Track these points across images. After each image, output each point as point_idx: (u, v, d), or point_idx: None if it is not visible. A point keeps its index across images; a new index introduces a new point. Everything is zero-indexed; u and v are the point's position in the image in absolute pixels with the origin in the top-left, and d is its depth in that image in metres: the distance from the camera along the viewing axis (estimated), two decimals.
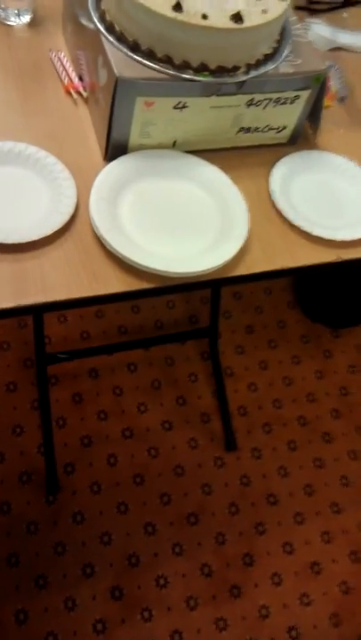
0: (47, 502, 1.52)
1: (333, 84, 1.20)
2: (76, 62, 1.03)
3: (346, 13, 1.37)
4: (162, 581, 1.50)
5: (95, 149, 0.97)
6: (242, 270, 0.93)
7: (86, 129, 0.99)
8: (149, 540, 1.54)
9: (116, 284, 0.86)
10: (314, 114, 1.05)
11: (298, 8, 1.29)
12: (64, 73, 1.02)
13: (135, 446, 1.64)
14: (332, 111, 1.17)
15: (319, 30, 1.26)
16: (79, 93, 1.01)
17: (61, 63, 1.03)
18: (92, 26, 0.91)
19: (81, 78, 1.02)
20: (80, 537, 1.50)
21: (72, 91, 1.01)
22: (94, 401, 1.68)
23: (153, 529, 1.55)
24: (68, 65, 1.03)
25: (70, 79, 1.01)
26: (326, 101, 1.16)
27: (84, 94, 1.01)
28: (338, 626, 1.55)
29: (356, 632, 1.55)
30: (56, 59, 1.04)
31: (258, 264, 0.95)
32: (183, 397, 1.75)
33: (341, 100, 1.19)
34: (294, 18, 1.01)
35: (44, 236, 0.84)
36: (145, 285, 0.87)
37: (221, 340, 1.86)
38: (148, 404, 1.72)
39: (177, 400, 1.74)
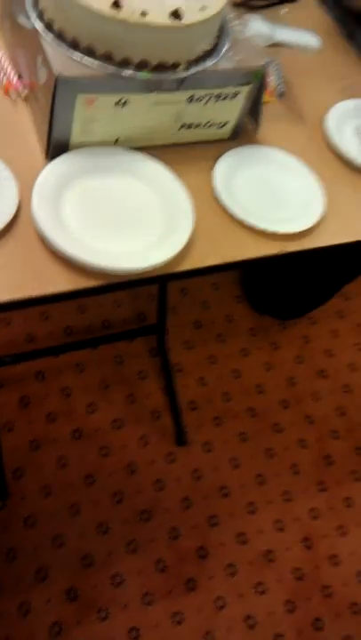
0: None
1: (272, 80, 1.21)
2: (14, 61, 1.01)
3: (284, 9, 1.39)
4: (117, 580, 1.49)
5: (36, 148, 0.95)
6: (189, 265, 0.93)
7: (26, 128, 0.97)
8: (103, 539, 1.53)
9: (63, 282, 0.85)
10: (254, 109, 1.06)
11: (236, 5, 1.30)
12: (1, 72, 1.00)
13: (85, 447, 1.63)
14: (271, 106, 1.19)
15: (257, 27, 1.27)
16: (18, 92, 0.99)
17: None
18: (29, 24, 0.89)
19: (20, 77, 1.00)
20: (32, 541, 1.48)
21: (11, 90, 0.99)
22: (42, 403, 1.66)
23: (106, 528, 1.55)
24: (6, 64, 1.01)
25: (8, 78, 1.00)
26: (266, 97, 1.17)
27: (24, 93, 0.99)
28: (293, 612, 1.58)
29: (310, 616, 1.59)
30: None
31: (204, 258, 0.95)
32: (133, 395, 1.75)
33: (280, 95, 1.21)
34: (233, 14, 1.02)
35: None
36: (92, 283, 0.86)
37: (170, 336, 1.86)
38: (98, 403, 1.71)
39: (127, 398, 1.74)
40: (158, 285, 1.73)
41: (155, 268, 0.89)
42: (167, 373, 1.77)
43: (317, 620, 1.59)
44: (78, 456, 1.61)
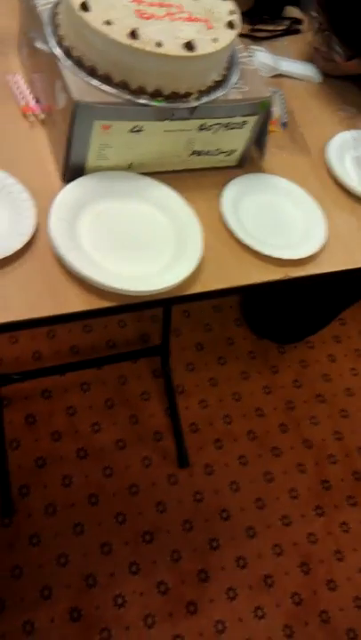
0: (3, 525, 1.51)
1: (276, 110, 1.25)
2: (32, 85, 1.05)
3: (286, 41, 1.44)
4: (119, 600, 1.50)
5: (53, 171, 0.99)
6: (198, 288, 0.96)
7: (43, 151, 1.01)
8: (106, 559, 1.54)
9: (77, 303, 0.87)
10: (260, 138, 1.10)
11: (242, 36, 1.35)
12: (21, 95, 1.04)
13: (90, 466, 1.65)
14: (276, 136, 1.23)
15: (262, 58, 1.32)
16: (35, 116, 1.03)
17: (18, 85, 1.05)
18: (48, 50, 0.93)
19: (37, 100, 1.04)
20: (37, 559, 1.49)
21: (28, 113, 1.03)
22: (48, 422, 1.67)
23: (109, 549, 1.55)
24: (23, 88, 1.05)
25: (27, 101, 1.03)
26: (271, 127, 1.22)
27: (41, 117, 1.03)
28: (291, 637, 1.58)
29: None
30: (12, 81, 1.06)
31: (212, 282, 0.98)
32: (136, 416, 1.77)
33: (284, 124, 1.25)
34: (241, 46, 1.06)
35: (4, 256, 0.85)
36: (105, 304, 0.88)
37: (172, 357, 1.88)
38: (102, 423, 1.72)
39: (130, 418, 1.76)
40: (163, 307, 1.75)
41: (166, 291, 0.92)
42: (170, 395, 1.80)
43: None
44: (82, 475, 1.63)
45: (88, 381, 1.77)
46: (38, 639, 1.40)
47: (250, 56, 1.10)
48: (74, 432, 1.68)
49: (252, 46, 1.36)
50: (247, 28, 1.38)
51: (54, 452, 1.63)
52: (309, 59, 1.41)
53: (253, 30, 1.39)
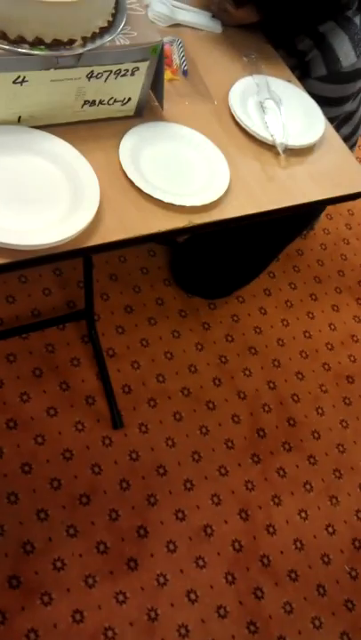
0: None
1: (176, 58, 1.23)
2: None
3: None
4: (59, 564, 1.50)
5: None
6: (97, 240, 0.95)
7: None
8: (43, 525, 1.54)
9: None
10: (156, 85, 1.09)
11: None
12: None
13: (20, 436, 1.63)
14: (177, 84, 1.21)
15: (158, 7, 1.30)
16: None
17: None
18: None
19: None
20: None
21: None
22: None
23: (45, 514, 1.55)
24: None
25: None
26: (171, 75, 1.20)
27: None
28: (233, 583, 1.62)
29: (250, 586, 1.63)
30: None
31: (113, 233, 0.97)
32: (66, 382, 1.75)
33: (185, 72, 1.23)
34: None
35: None
36: None
37: (101, 321, 1.87)
38: (31, 392, 1.70)
39: (60, 385, 1.74)
40: (83, 270, 1.73)
41: (63, 244, 0.90)
42: (99, 358, 1.78)
43: (257, 589, 1.63)
44: (14, 445, 1.61)
45: (14, 352, 1.74)
46: None
47: (139, 3, 1.07)
48: (2, 403, 1.65)
49: None
50: None
51: None
52: (207, 8, 1.39)
53: None
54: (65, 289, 1.90)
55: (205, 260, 1.98)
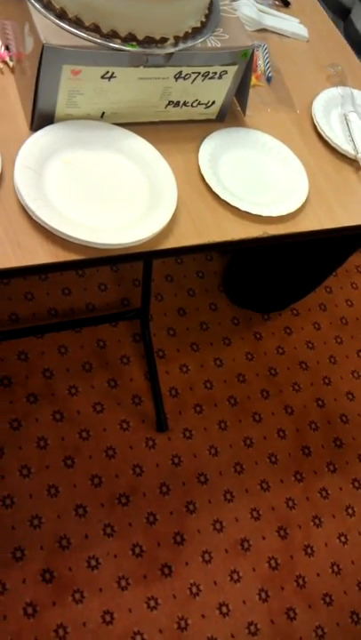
0: None
1: (261, 64, 1.21)
2: (2, 31, 1.00)
3: None
4: (93, 562, 1.49)
5: (21, 120, 0.95)
6: (171, 243, 0.93)
7: (12, 99, 0.97)
8: (80, 521, 1.53)
9: (43, 254, 0.84)
10: (241, 91, 1.06)
11: None
12: None
13: (66, 429, 1.63)
14: (260, 90, 1.19)
15: (246, 11, 1.27)
16: (5, 63, 0.99)
17: None
18: None
19: (7, 48, 0.99)
20: (9, 521, 1.47)
21: None
22: (24, 384, 1.65)
23: (84, 511, 1.54)
24: None
25: None
26: (255, 80, 1.18)
27: (11, 64, 0.98)
28: (266, 601, 1.59)
29: (283, 606, 1.59)
30: None
31: (187, 237, 0.95)
32: (114, 379, 1.74)
33: (269, 79, 1.21)
34: None
35: None
36: (72, 257, 0.85)
37: (153, 322, 1.86)
38: (79, 386, 1.70)
39: (108, 382, 1.73)
40: (143, 269, 1.72)
41: (137, 245, 0.89)
42: (150, 359, 1.77)
43: (290, 609, 1.60)
44: (58, 438, 1.61)
45: (66, 344, 1.74)
46: (10, 599, 1.39)
47: (232, 5, 1.05)
48: (50, 395, 1.65)
49: None
50: None
51: (30, 414, 1.61)
52: (299, 12, 1.36)
53: None
54: (120, 285, 1.90)
55: (260, 273, 1.95)
